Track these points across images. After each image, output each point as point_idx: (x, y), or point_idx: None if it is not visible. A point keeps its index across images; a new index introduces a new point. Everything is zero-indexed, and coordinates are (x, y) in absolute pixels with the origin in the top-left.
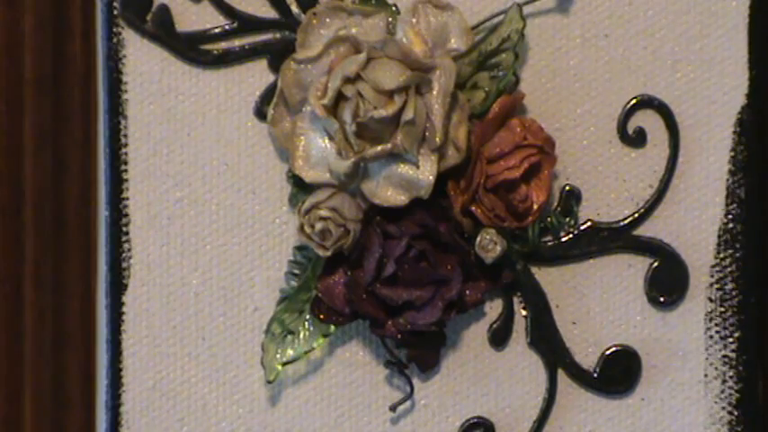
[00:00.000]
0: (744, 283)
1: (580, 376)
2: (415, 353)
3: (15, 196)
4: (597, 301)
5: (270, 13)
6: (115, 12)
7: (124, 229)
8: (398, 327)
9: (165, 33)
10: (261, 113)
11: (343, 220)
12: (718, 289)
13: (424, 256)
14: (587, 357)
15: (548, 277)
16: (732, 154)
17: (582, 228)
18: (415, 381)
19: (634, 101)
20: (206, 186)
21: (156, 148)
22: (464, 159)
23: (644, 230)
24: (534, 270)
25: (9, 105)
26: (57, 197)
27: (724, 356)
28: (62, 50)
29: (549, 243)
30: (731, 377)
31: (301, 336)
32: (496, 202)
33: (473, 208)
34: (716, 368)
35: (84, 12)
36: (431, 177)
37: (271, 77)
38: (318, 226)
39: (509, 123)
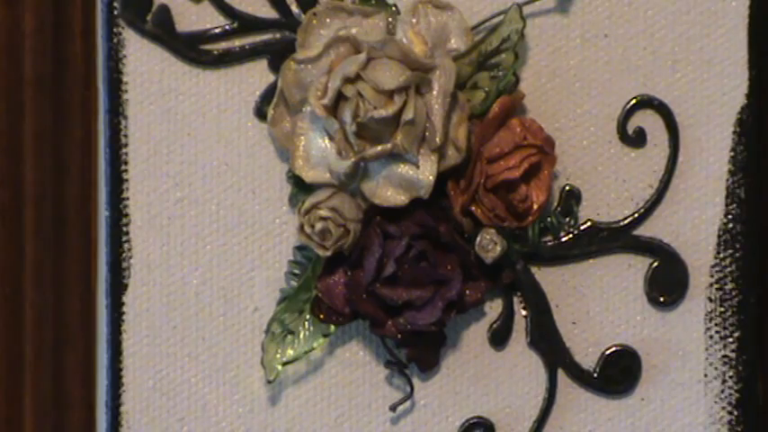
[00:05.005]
0: (744, 283)
1: (580, 376)
2: (415, 353)
3: (15, 196)
4: (597, 301)
5: (270, 13)
6: (115, 12)
7: (124, 229)
8: (398, 327)
9: (165, 33)
10: (261, 113)
11: (343, 220)
12: (718, 289)
13: (424, 256)
14: (587, 357)
15: (548, 277)
16: (732, 154)
17: (582, 228)
18: (415, 381)
19: (634, 101)
20: (206, 186)
21: (156, 148)
22: (464, 159)
23: (644, 230)
24: (534, 270)
25: (9, 105)
26: (57, 197)
27: (724, 356)
28: (62, 50)
29: (549, 243)
30: (731, 377)
31: (301, 336)
32: (496, 202)
33: (473, 208)
34: (716, 368)
35: (84, 12)
36: (431, 177)
37: (271, 77)
38: (318, 226)
39: (509, 123)
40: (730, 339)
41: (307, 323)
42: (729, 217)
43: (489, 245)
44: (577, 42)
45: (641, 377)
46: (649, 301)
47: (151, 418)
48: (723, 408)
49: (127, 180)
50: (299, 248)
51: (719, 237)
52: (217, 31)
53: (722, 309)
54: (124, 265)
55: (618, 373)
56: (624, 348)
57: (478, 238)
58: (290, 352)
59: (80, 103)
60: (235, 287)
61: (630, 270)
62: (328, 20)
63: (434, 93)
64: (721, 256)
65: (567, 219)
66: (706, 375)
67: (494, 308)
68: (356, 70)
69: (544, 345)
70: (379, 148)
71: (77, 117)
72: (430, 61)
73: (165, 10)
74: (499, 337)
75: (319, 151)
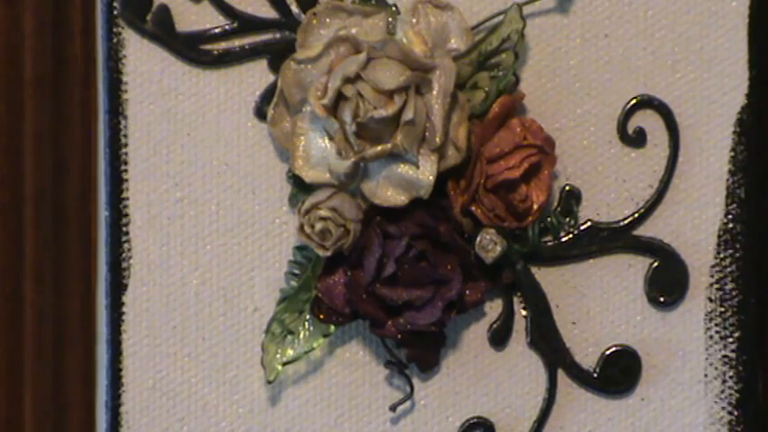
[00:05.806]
0: (744, 283)
1: (580, 376)
2: (415, 353)
3: (15, 196)
4: (597, 301)
5: (270, 13)
6: (115, 12)
7: (124, 229)
8: (398, 327)
9: (165, 33)
10: (261, 113)
11: (343, 220)
12: (718, 289)
13: (424, 256)
14: (587, 357)
15: (548, 277)
16: (732, 154)
17: (582, 228)
18: (415, 381)
19: (634, 101)
20: (206, 186)
21: (156, 148)
22: (464, 159)
23: (644, 230)
24: (534, 270)
25: (9, 105)
26: (57, 197)
27: (724, 356)
28: (62, 50)
29: (549, 243)
30: (731, 377)
31: (301, 336)
32: (496, 202)
33: (473, 208)
34: (716, 368)
35: (84, 12)
36: (431, 177)
37: (271, 77)
38: (318, 226)
39: (509, 123)
40: (730, 339)
41: (307, 323)
42: (729, 217)
43: (489, 245)
44: (577, 42)
45: (641, 377)
46: (649, 301)
47: (151, 418)
48: (723, 408)
49: (127, 180)
50: (299, 248)
51: (719, 237)
52: (217, 31)
53: (722, 309)
54: (124, 265)
55: (618, 373)
56: (624, 348)
57: (478, 238)
58: (290, 352)
59: (80, 103)
60: (235, 287)
61: (630, 270)
62: (328, 20)
63: (434, 93)
64: (721, 256)
65: (567, 219)
66: (706, 375)
67: (494, 308)
68: (356, 70)
69: (544, 345)
70: (379, 148)
71: (77, 117)
72: (430, 61)
73: (164, 10)
74: (499, 337)
75: (319, 151)
